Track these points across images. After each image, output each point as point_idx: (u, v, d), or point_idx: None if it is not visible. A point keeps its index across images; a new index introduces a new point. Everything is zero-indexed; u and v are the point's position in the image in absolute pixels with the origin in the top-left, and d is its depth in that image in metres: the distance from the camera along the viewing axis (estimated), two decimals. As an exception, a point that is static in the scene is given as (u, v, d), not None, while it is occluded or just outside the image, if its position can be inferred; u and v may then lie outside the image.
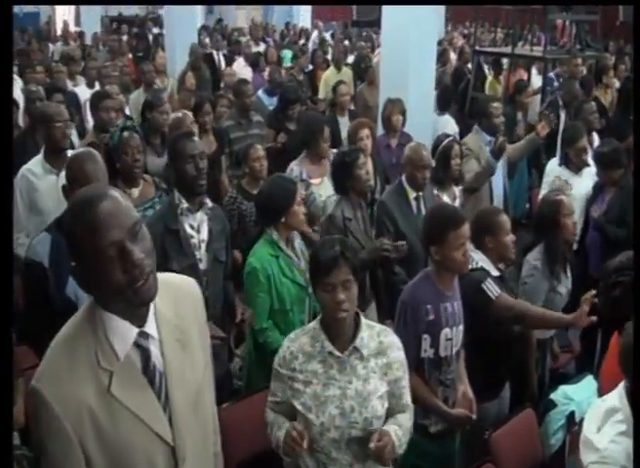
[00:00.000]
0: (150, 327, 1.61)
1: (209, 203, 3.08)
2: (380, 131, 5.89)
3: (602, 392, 2.52)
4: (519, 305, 3.07)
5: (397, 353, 2.31)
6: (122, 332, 1.56)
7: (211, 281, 3.05)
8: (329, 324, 2.25)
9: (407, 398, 2.35)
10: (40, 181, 3.75)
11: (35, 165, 3.81)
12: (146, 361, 1.60)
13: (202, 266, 3.03)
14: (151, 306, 1.61)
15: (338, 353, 2.22)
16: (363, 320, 2.30)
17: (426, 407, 2.78)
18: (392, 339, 2.32)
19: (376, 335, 2.29)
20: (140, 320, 1.59)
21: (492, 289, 3.02)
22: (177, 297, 1.70)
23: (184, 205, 2.99)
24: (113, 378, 1.54)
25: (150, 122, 4.91)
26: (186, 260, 2.95)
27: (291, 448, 2.16)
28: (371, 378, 2.24)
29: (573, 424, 3.03)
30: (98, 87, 7.27)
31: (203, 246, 3.04)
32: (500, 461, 2.88)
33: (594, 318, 2.89)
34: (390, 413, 2.29)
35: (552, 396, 3.18)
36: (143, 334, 1.60)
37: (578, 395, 3.14)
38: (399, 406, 2.32)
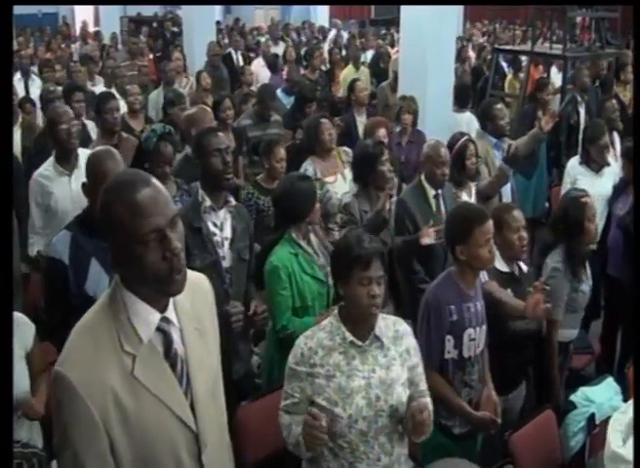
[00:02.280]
0: (171, 314, 1.64)
1: (232, 201, 3.09)
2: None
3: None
4: (497, 292, 3.03)
5: (412, 340, 2.36)
6: (145, 316, 1.57)
7: (234, 279, 3.05)
8: (352, 317, 2.25)
9: (423, 385, 2.38)
10: (53, 184, 3.76)
11: (47, 168, 3.83)
12: (168, 346, 1.62)
13: (225, 264, 3.03)
14: None
15: (359, 342, 2.23)
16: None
17: (451, 408, 2.77)
18: (406, 327, 2.37)
19: (391, 324, 2.33)
20: (162, 306, 1.61)
21: (484, 274, 3.02)
22: (193, 290, 1.70)
23: (207, 203, 3.01)
24: (136, 362, 1.54)
25: (170, 118, 5.00)
26: (209, 258, 2.96)
27: (313, 437, 2.06)
28: (392, 366, 2.27)
29: (593, 426, 2.99)
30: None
31: (226, 243, 3.05)
32: (520, 463, 2.86)
33: (548, 306, 2.81)
34: (410, 401, 2.29)
35: (572, 398, 3.15)
36: (165, 320, 1.61)
37: (598, 397, 3.10)
38: (417, 392, 2.33)
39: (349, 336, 2.23)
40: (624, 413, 2.08)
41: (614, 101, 5.69)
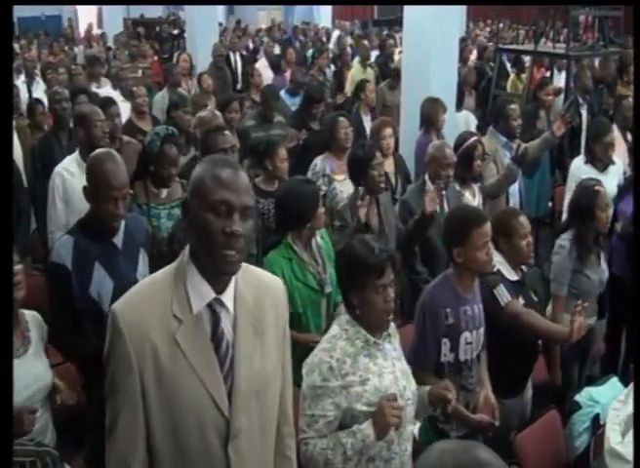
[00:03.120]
0: (227, 299, 1.70)
1: None
2: (400, 129, 5.88)
3: None
4: (527, 315, 2.99)
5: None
6: (201, 290, 1.66)
7: None
8: (368, 321, 2.24)
9: None
10: (76, 180, 3.71)
11: (71, 163, 3.83)
12: (216, 325, 1.68)
13: None
14: (232, 284, 1.71)
15: (380, 341, 2.26)
16: None
17: (448, 411, 2.75)
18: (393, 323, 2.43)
19: None
20: (219, 288, 1.68)
21: (503, 295, 2.98)
22: (259, 288, 1.78)
23: None
24: (181, 327, 1.64)
25: (175, 121, 5.01)
26: None
27: (394, 417, 2.08)
28: (401, 357, 2.35)
29: (597, 427, 2.98)
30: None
31: None
32: (525, 463, 2.86)
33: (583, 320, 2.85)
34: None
35: (577, 398, 3.15)
36: (219, 301, 1.69)
37: (603, 397, 3.10)
38: None
39: (371, 338, 2.24)
40: (624, 403, 2.07)
41: (630, 99, 5.63)
